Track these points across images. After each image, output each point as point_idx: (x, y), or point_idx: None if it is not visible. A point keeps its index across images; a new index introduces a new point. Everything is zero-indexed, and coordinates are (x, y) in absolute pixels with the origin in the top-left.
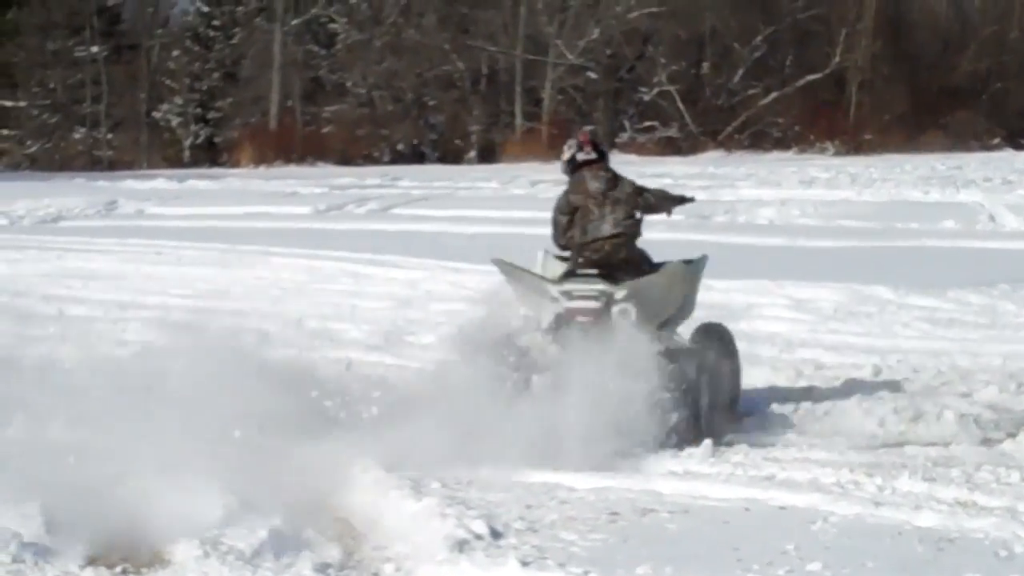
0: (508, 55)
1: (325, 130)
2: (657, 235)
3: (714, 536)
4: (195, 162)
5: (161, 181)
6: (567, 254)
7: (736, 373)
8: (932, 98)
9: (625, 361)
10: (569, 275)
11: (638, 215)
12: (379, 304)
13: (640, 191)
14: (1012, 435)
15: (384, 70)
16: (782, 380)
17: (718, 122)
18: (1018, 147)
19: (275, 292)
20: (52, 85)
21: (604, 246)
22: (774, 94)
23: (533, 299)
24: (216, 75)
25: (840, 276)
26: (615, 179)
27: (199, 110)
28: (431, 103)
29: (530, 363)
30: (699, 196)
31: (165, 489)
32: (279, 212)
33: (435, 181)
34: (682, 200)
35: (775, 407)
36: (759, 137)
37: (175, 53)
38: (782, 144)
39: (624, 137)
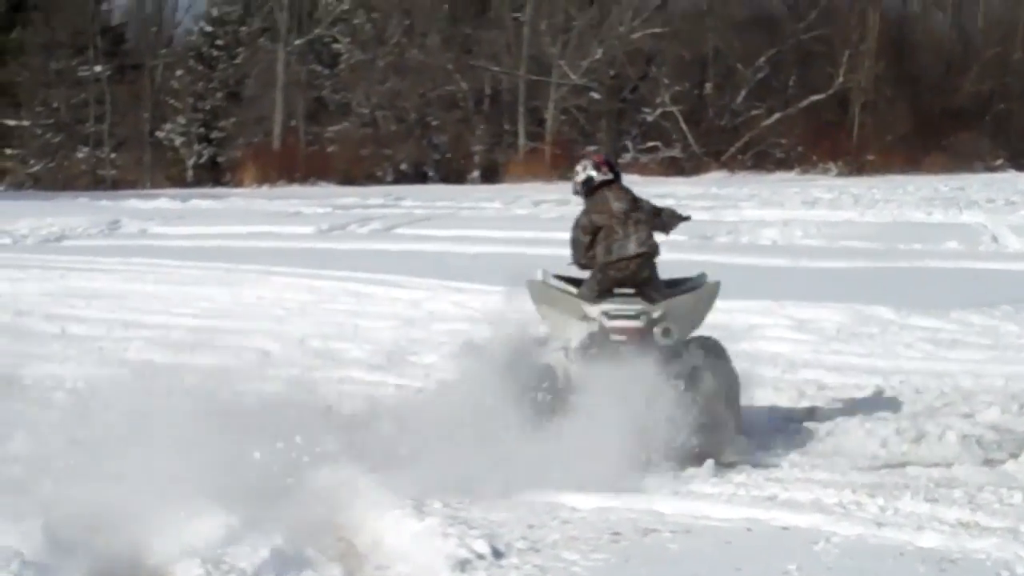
0: (511, 75)
1: (328, 150)
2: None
3: (716, 556)
4: (198, 182)
5: (164, 200)
6: (568, 273)
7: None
8: (935, 119)
9: (670, 379)
10: (605, 295)
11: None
12: (382, 324)
13: (657, 211)
14: (1014, 456)
15: (387, 90)
16: (784, 400)
17: (721, 142)
18: (1021, 168)
19: (278, 312)
20: (56, 104)
21: (630, 265)
22: (777, 115)
23: (561, 319)
24: (219, 95)
25: (843, 296)
26: (635, 199)
27: (202, 130)
28: (434, 123)
29: (559, 383)
30: (702, 216)
31: (167, 508)
32: (282, 232)
33: (438, 201)
34: (682, 219)
35: (777, 427)
36: (762, 157)
37: (179, 73)
38: (785, 165)
39: (627, 157)
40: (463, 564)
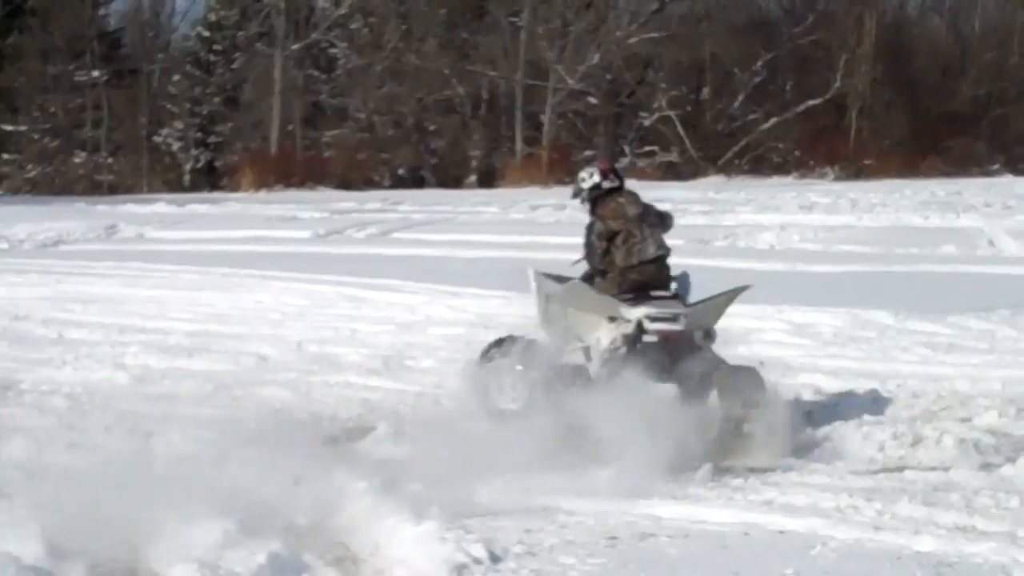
0: (508, 80)
1: (325, 155)
2: None
3: (713, 561)
4: (195, 186)
5: (161, 205)
6: (557, 273)
7: None
8: (932, 123)
9: (717, 379)
10: (642, 298)
11: None
12: (379, 328)
13: (661, 214)
14: (1012, 460)
15: (384, 95)
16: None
17: (718, 147)
18: (1018, 172)
19: (275, 316)
20: (53, 109)
21: (650, 268)
22: (774, 119)
23: (588, 320)
24: (217, 99)
25: (840, 301)
26: (645, 204)
27: (200, 134)
28: (431, 128)
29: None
30: (699, 221)
31: (164, 512)
32: (279, 236)
33: (435, 206)
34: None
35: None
36: (759, 162)
37: (176, 77)
38: (782, 169)
39: (624, 162)
40: (460, 569)
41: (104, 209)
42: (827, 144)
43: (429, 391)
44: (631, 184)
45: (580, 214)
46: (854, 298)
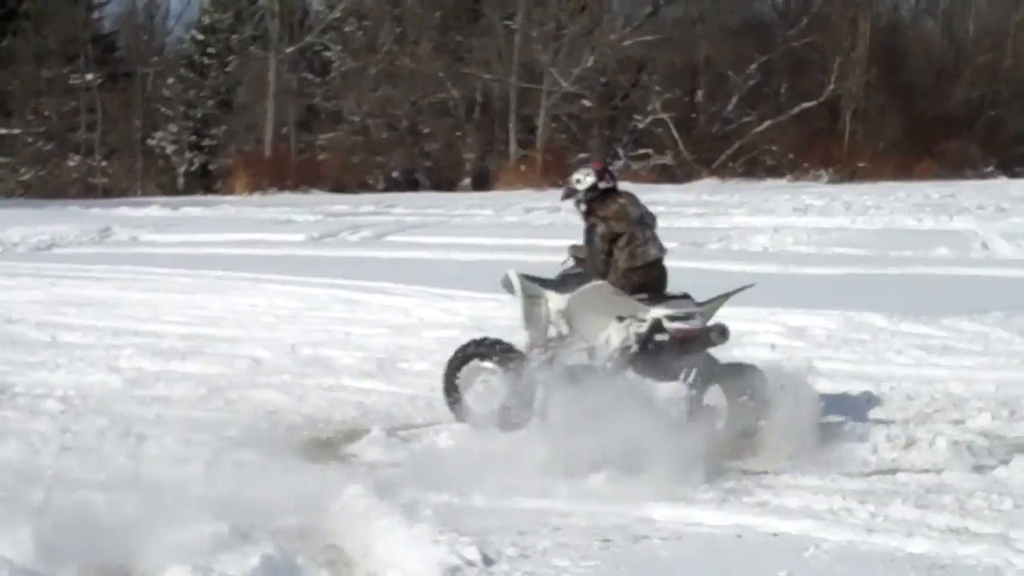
0: (502, 83)
1: (319, 157)
2: None
3: (706, 563)
4: (189, 189)
5: (155, 208)
6: (534, 275)
7: None
8: (926, 126)
9: (721, 377)
10: (655, 299)
11: None
12: (373, 331)
13: (653, 215)
14: (1005, 462)
15: (379, 98)
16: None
17: (712, 150)
18: (1012, 175)
19: (269, 319)
20: (47, 112)
21: (652, 270)
22: (768, 122)
23: (598, 321)
24: (211, 102)
25: (834, 303)
26: (642, 205)
27: (194, 137)
28: (425, 131)
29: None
30: (693, 223)
31: (157, 515)
32: (273, 239)
33: (429, 208)
34: None
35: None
36: (753, 165)
37: (170, 80)
38: (776, 172)
39: (618, 164)
40: (453, 571)
41: (98, 212)
42: (821, 147)
43: (423, 394)
44: (623, 186)
45: (573, 216)
46: (848, 300)
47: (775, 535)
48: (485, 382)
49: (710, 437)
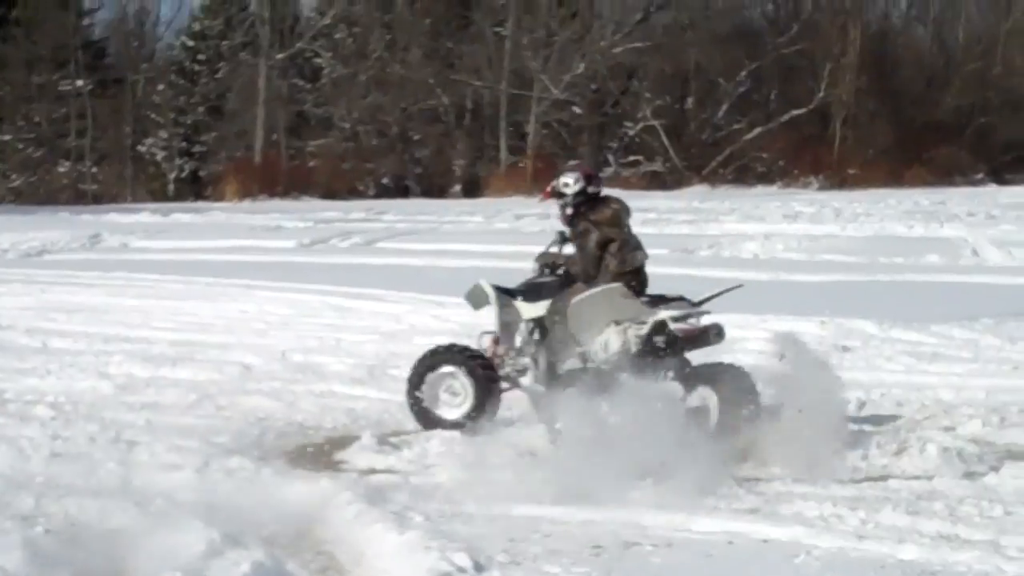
0: (493, 89)
1: (310, 164)
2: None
3: (697, 569)
4: (180, 196)
5: (145, 215)
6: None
7: None
8: (916, 133)
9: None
10: (655, 301)
11: None
12: (363, 337)
13: None
14: (995, 469)
15: (369, 104)
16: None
17: (702, 157)
18: (1002, 182)
19: (259, 325)
20: (37, 119)
21: (639, 274)
22: (758, 129)
23: (598, 325)
24: (201, 109)
25: (824, 310)
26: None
27: (184, 144)
28: (416, 137)
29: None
30: (684, 230)
31: (148, 522)
32: (264, 246)
33: (419, 215)
34: None
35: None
36: (743, 172)
37: (160, 87)
38: (766, 179)
39: (609, 171)
40: None
41: (88, 219)
42: (811, 154)
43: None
44: (614, 193)
45: (558, 222)
46: (838, 307)
47: (766, 541)
48: (449, 388)
49: (704, 439)
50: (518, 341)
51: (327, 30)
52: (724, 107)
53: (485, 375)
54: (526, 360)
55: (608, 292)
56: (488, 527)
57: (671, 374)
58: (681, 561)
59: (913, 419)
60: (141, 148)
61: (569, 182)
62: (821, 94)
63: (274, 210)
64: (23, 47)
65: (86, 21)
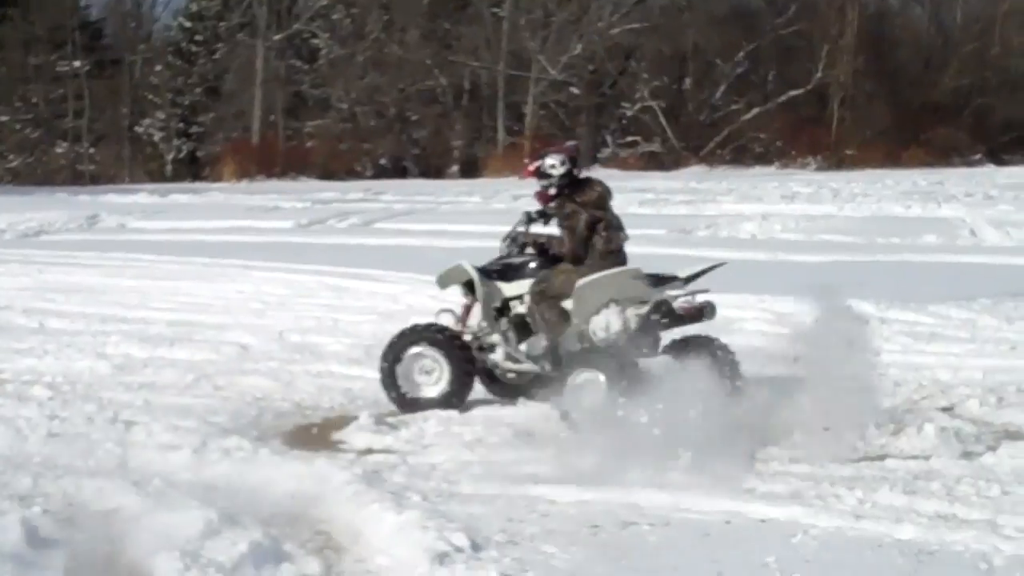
0: (491, 70)
1: (307, 145)
2: (639, 249)
3: (694, 549)
4: (177, 176)
5: (143, 195)
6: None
7: None
8: (914, 114)
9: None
10: (656, 281)
11: None
12: (361, 318)
13: None
14: (992, 448)
15: (366, 85)
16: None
17: (700, 137)
18: (999, 162)
19: (257, 306)
20: (34, 100)
21: (622, 254)
22: (756, 110)
23: (594, 305)
24: (198, 90)
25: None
26: None
27: (181, 124)
28: (413, 118)
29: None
30: (681, 211)
31: (145, 501)
32: (261, 226)
33: (417, 195)
34: None
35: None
36: (741, 152)
37: (157, 68)
38: (764, 159)
39: (606, 152)
40: (442, 557)
41: (86, 199)
42: (809, 134)
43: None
44: (611, 174)
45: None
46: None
47: (763, 521)
48: (425, 368)
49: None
50: (485, 320)
51: (324, 10)
52: (722, 88)
53: (460, 354)
54: (495, 337)
55: (620, 274)
56: (485, 507)
57: (646, 350)
58: (678, 540)
59: (910, 399)
60: (139, 129)
61: (556, 163)
62: (819, 75)
63: (272, 190)
64: (20, 28)
65: (83, 2)
